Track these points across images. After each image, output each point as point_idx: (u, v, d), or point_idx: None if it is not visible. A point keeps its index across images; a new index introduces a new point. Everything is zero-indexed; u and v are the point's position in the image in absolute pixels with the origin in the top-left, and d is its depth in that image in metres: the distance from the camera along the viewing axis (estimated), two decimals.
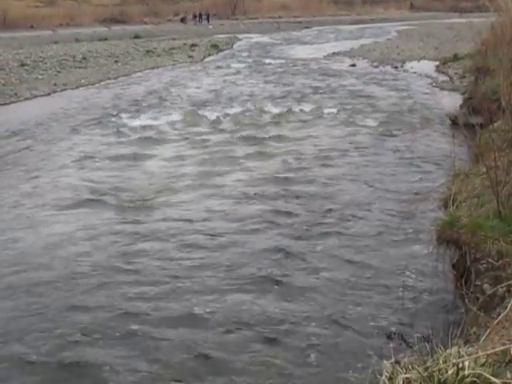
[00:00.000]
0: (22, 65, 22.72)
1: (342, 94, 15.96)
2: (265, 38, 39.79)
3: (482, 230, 4.38)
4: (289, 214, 6.97)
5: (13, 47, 30.01)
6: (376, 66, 22.39)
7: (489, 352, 2.57)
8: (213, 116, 13.42)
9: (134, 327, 4.57)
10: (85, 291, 5.19)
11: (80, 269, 5.65)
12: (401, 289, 4.89)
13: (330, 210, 7.07)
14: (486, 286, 4.08)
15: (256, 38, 40.35)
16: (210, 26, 52.44)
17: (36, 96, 17.40)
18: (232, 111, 13.89)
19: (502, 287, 3.77)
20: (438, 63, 21.27)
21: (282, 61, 25.28)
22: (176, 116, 13.56)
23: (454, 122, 10.70)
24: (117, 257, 5.94)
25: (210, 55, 29.43)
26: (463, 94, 13.22)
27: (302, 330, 4.49)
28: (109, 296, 5.10)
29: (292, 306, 4.84)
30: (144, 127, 12.51)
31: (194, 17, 57.86)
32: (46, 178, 8.89)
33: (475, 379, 2.40)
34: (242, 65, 24.27)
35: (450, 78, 17.69)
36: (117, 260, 5.86)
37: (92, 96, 17.35)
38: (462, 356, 2.54)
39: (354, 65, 22.91)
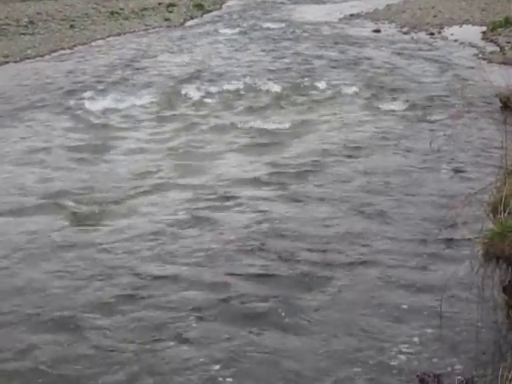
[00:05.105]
0: None
1: (363, 69, 15.99)
2: None
3: None
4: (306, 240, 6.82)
5: None
6: (406, 33, 22.45)
7: None
8: (196, 96, 13.44)
9: None
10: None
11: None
12: (438, 318, 4.92)
13: (349, 230, 7.06)
14: None
15: None
16: None
17: None
18: (221, 90, 13.91)
19: None
20: (485, 29, 21.33)
21: (286, 25, 25.31)
22: (149, 97, 13.57)
23: (506, 105, 10.73)
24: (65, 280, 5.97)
25: (192, 18, 29.46)
26: None
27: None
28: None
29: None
30: (108, 111, 12.53)
31: None
32: None
33: None
34: (235, 30, 24.29)
35: (501, 49, 17.73)
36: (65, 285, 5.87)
37: (41, 71, 17.33)
38: None
39: (378, 30, 22.99)
